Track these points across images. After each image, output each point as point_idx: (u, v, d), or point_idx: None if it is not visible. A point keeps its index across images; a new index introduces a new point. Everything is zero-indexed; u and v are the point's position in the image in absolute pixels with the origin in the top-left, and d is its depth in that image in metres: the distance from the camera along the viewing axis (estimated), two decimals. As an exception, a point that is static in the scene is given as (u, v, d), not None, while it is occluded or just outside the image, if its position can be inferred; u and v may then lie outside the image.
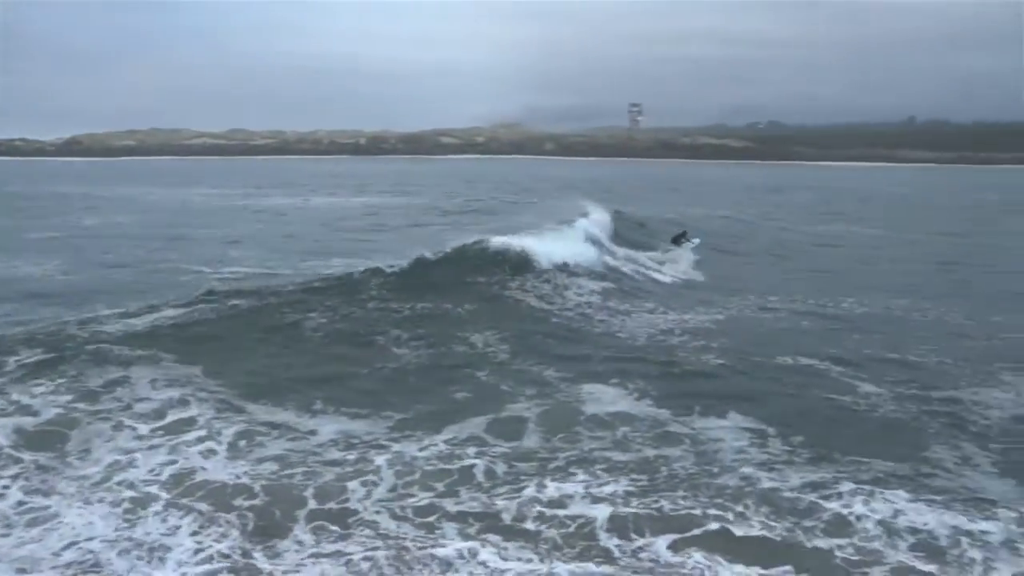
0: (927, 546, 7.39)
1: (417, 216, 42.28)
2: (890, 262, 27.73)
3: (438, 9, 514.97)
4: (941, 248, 31.62)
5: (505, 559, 7.19)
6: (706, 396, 11.63)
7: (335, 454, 9.63)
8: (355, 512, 8.11)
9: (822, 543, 7.42)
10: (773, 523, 7.76)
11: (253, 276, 21.68)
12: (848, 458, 9.43)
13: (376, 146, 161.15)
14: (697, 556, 7.22)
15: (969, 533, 7.52)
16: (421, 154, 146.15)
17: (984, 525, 7.63)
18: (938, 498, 8.43)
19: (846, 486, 8.52)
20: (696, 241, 28.09)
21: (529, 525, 7.80)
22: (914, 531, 7.60)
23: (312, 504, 8.23)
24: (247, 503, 8.24)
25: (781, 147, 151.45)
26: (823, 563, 7.16)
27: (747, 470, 9.03)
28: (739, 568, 6.99)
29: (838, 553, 7.26)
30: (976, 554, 7.19)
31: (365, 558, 7.20)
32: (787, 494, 8.37)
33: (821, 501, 8.19)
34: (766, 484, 8.63)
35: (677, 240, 27.89)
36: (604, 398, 11.47)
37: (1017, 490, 8.86)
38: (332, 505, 8.23)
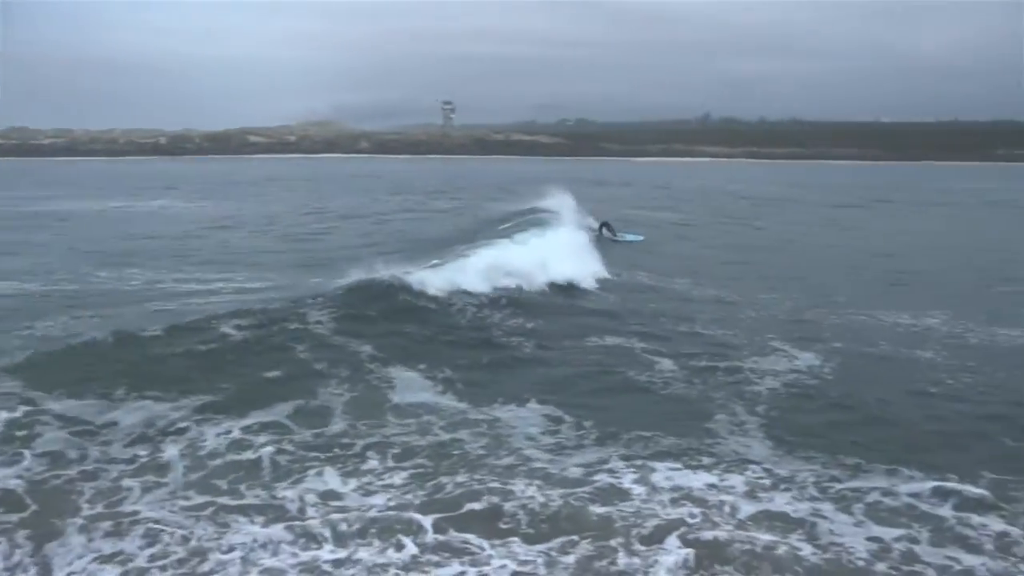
0: (689, 498, 8.31)
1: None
2: (701, 247, 30.56)
3: (238, 2, 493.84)
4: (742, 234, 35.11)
5: (284, 551, 7.33)
6: (514, 383, 12.29)
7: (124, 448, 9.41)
8: (134, 513, 7.95)
9: (598, 509, 8.13)
10: (550, 496, 8.38)
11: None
12: (633, 435, 10.31)
13: (178, 146, 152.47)
14: (468, 535, 7.68)
15: (722, 487, 8.54)
16: (229, 153, 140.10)
17: (734, 480, 8.70)
18: (706, 461, 9.44)
19: (621, 463, 9.35)
20: (630, 237, 29.65)
21: (312, 515, 7.96)
22: (677, 489, 8.51)
23: (87, 505, 7.98)
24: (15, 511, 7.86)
25: (590, 143, 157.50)
26: (601, 525, 7.84)
27: (532, 452, 9.69)
28: (514, 540, 7.53)
29: (615, 516, 7.99)
30: (726, 498, 8.23)
31: (150, 557, 7.14)
32: (566, 472, 9.08)
33: (597, 476, 8.96)
34: (547, 464, 9.29)
35: (601, 229, 29.53)
36: (414, 385, 11.88)
37: (772, 449, 10.05)
38: (104, 506, 8.00)
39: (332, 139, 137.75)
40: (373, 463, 9.20)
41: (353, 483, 8.66)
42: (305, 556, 7.23)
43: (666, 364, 13.57)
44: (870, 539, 7.78)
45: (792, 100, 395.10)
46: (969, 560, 7.44)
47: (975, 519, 8.14)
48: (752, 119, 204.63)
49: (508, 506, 8.13)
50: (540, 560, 7.22)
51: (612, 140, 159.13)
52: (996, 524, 8.08)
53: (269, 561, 7.11)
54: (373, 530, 7.67)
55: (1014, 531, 7.93)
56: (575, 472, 9.06)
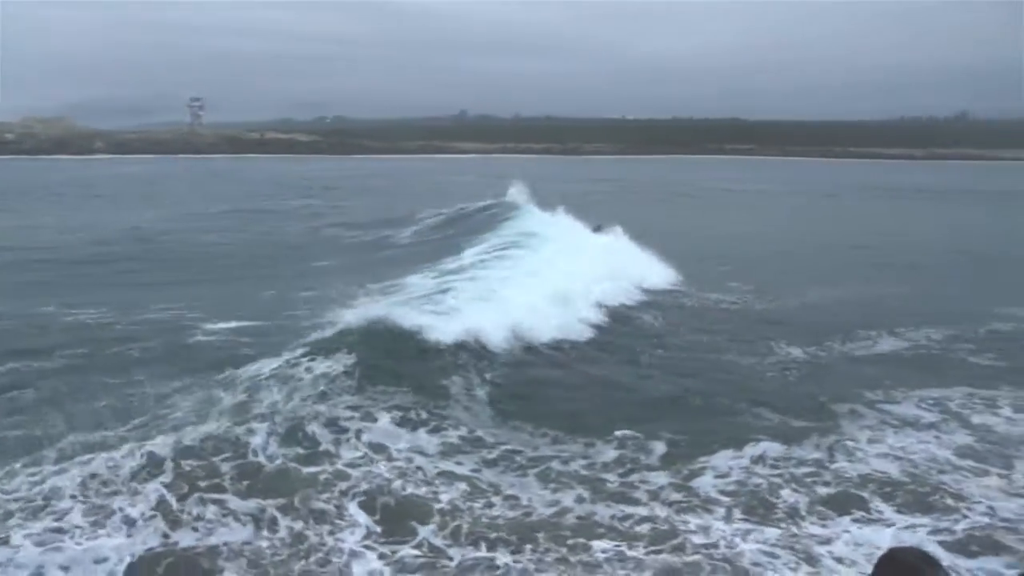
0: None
1: None
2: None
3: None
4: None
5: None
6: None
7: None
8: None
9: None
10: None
11: None
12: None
13: None
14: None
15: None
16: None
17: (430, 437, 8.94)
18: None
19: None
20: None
21: None
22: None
23: None
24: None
25: (349, 141, 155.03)
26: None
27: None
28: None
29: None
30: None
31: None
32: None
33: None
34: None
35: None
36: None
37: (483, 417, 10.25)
38: None
39: (62, 138, 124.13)
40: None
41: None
42: None
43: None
44: (551, 501, 8.13)
45: (546, 98, 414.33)
46: (631, 510, 7.95)
47: (645, 476, 8.84)
48: (507, 116, 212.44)
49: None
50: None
51: (372, 137, 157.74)
52: (660, 479, 8.76)
53: None
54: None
55: (672, 482, 8.60)
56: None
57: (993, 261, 27.75)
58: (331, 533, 7.33)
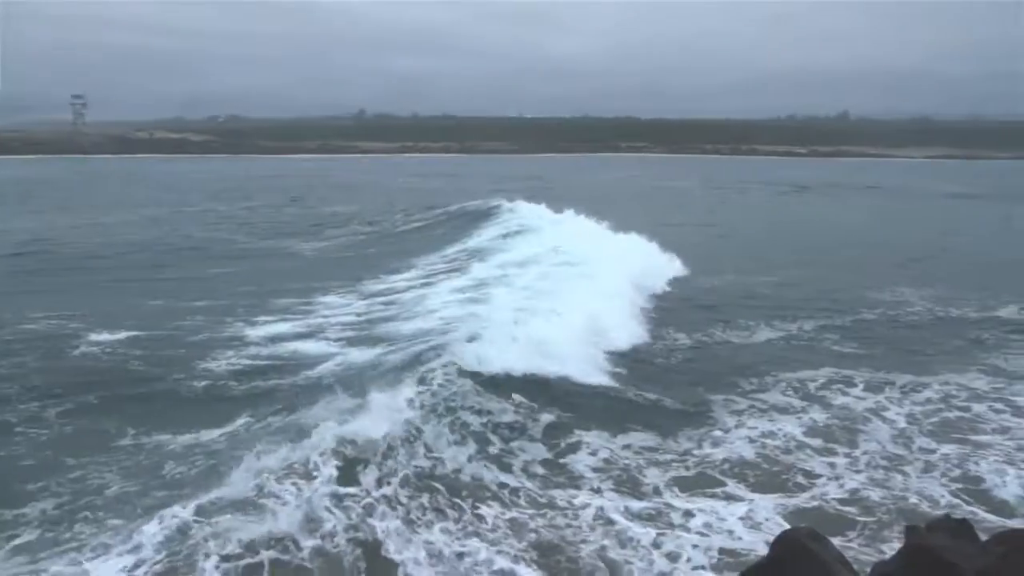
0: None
1: None
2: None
3: None
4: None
5: None
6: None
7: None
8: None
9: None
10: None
11: None
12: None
13: None
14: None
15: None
16: None
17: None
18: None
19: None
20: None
21: None
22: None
23: None
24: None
25: (244, 140, 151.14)
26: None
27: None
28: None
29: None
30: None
31: None
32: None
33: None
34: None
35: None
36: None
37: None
38: None
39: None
40: None
41: None
42: None
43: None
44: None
45: (444, 96, 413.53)
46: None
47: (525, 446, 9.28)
48: (406, 115, 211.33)
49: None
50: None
51: (268, 137, 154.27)
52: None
53: None
54: None
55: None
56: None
57: (863, 251, 29.47)
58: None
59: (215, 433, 10.34)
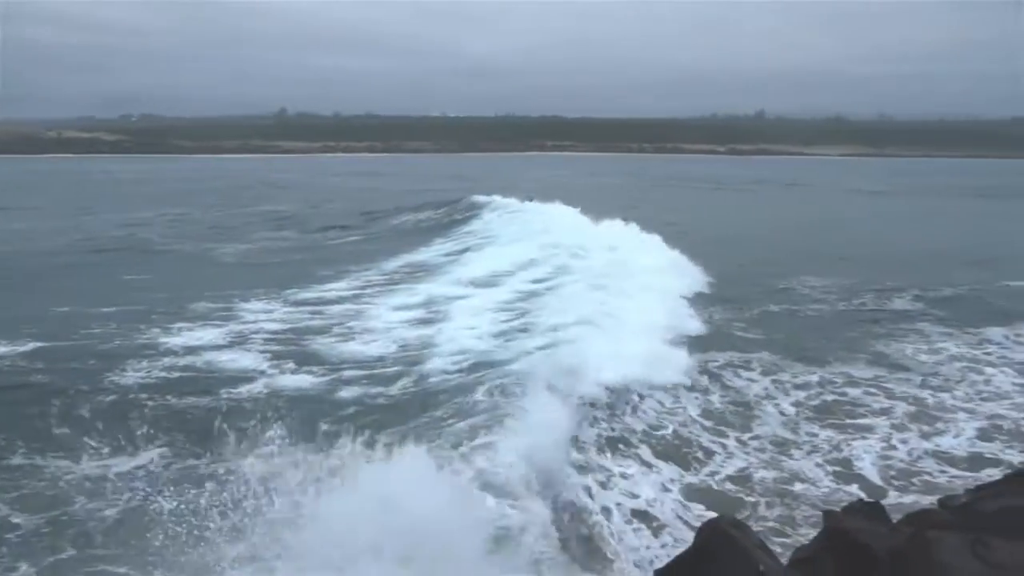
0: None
1: None
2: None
3: None
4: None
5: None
6: None
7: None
8: None
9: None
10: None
11: None
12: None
13: None
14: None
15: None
16: None
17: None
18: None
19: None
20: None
21: None
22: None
23: None
24: None
25: (159, 140, 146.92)
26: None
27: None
28: None
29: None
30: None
31: None
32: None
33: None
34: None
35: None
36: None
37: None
38: None
39: None
40: None
41: None
42: None
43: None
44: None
45: (367, 95, 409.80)
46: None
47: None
48: (328, 114, 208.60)
49: None
50: None
51: (186, 137, 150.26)
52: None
53: None
54: None
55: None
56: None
57: (777, 243, 30.39)
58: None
59: (127, 464, 9.57)
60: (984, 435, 10.66)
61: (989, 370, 13.64)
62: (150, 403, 11.46)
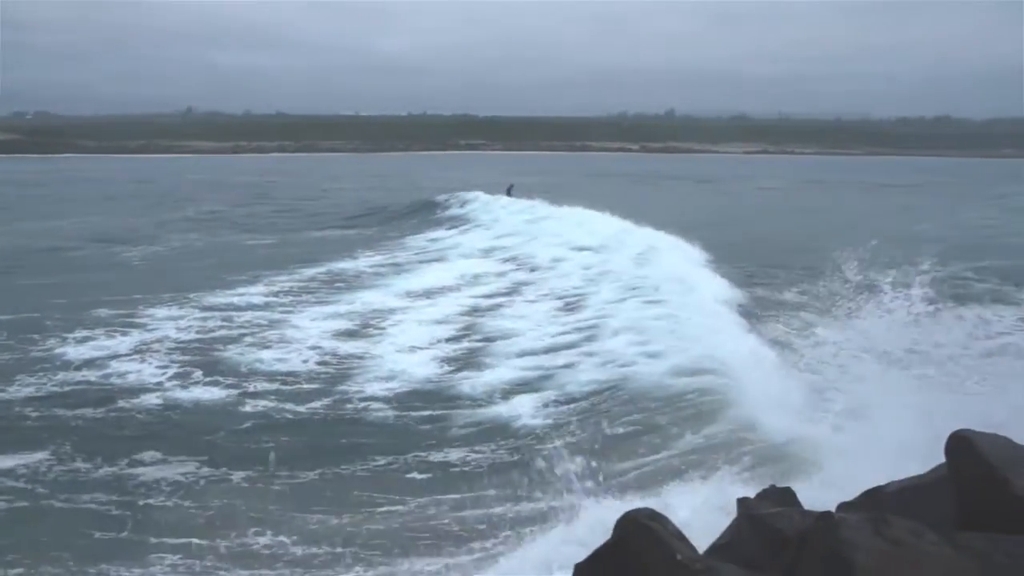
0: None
1: None
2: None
3: None
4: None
5: None
6: None
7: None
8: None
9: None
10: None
11: None
12: None
13: None
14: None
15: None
16: None
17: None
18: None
19: None
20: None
21: None
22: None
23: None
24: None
25: (58, 139, 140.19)
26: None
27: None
28: None
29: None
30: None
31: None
32: None
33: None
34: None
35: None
36: None
37: None
38: None
39: None
40: None
41: None
42: None
43: None
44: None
45: (278, 94, 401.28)
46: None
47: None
48: (238, 112, 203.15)
49: None
50: None
51: (85, 136, 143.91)
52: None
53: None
54: None
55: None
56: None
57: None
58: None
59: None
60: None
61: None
62: (35, 415, 11.00)
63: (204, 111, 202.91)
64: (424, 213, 37.27)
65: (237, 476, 9.33)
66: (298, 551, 7.78)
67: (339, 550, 7.78)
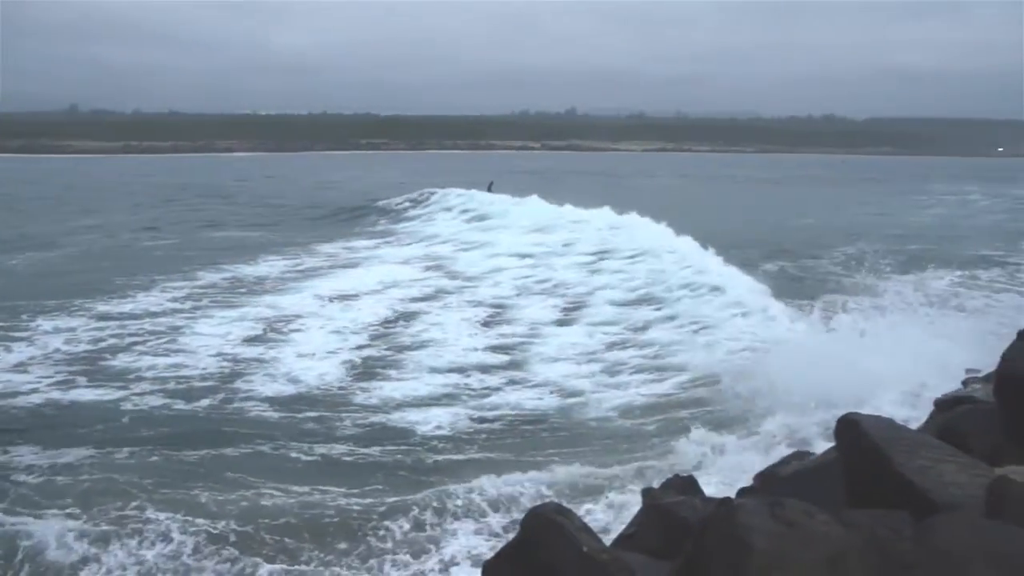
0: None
1: None
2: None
3: None
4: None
5: None
6: None
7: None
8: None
9: None
10: None
11: None
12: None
13: None
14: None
15: None
16: None
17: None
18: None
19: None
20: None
21: None
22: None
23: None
24: None
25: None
26: None
27: None
28: None
29: None
30: None
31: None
32: None
33: None
34: None
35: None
36: None
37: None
38: None
39: None
40: None
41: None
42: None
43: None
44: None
45: (169, 92, 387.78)
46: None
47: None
48: (126, 111, 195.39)
49: None
50: None
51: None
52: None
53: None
54: None
55: None
56: None
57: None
58: None
59: None
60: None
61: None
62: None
63: (90, 110, 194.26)
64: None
65: (119, 456, 9.52)
66: (175, 526, 7.95)
67: (221, 524, 8.01)
